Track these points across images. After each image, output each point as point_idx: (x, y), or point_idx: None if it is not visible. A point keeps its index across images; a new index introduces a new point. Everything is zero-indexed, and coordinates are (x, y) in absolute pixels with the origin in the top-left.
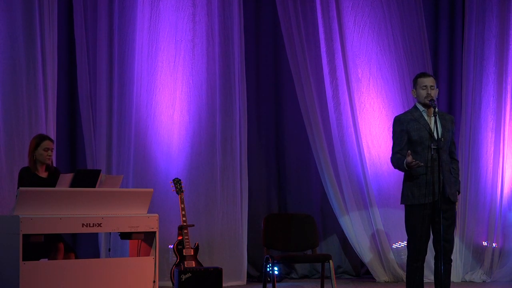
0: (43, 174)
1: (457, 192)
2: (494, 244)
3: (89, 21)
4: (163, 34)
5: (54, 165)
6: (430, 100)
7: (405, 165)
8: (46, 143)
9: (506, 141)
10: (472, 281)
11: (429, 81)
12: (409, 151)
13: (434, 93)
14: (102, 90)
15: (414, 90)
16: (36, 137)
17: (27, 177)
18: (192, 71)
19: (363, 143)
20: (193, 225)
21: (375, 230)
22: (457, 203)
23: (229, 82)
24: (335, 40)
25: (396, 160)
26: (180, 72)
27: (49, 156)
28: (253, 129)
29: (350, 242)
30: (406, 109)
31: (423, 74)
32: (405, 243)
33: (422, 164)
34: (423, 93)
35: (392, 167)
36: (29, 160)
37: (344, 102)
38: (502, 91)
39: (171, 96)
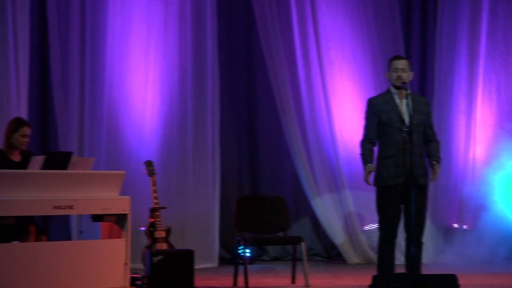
0: (17, 158)
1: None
2: (464, 226)
3: (62, 3)
4: (135, 16)
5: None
6: (402, 83)
7: (365, 167)
8: (24, 130)
9: (477, 124)
10: (442, 263)
11: (400, 63)
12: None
13: (406, 75)
14: (75, 73)
15: (388, 72)
16: (15, 121)
17: (0, 161)
18: (165, 54)
19: (335, 126)
20: (165, 208)
21: (347, 212)
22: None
23: (201, 65)
24: (308, 23)
25: (364, 153)
26: (153, 54)
27: (26, 142)
28: (226, 111)
29: (322, 225)
30: (379, 92)
31: (396, 57)
32: (376, 225)
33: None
34: (394, 75)
35: None
36: (5, 143)
37: (316, 85)
38: (473, 74)
39: (143, 79)
